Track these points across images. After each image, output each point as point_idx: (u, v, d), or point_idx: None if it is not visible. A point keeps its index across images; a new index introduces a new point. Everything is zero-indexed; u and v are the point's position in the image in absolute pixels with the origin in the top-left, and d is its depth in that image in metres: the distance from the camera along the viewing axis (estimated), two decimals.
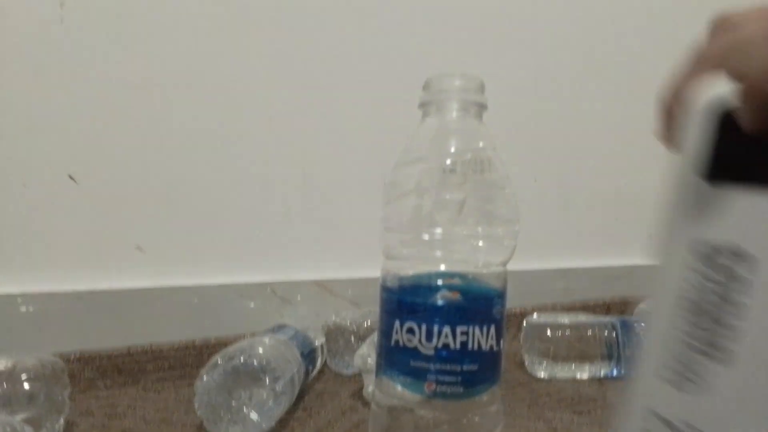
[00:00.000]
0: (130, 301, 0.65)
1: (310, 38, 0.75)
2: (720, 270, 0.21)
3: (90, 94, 0.64)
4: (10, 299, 0.60)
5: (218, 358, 0.47)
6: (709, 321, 0.22)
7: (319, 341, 0.62)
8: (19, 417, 0.40)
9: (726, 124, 0.22)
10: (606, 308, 0.98)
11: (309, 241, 0.75)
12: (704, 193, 0.23)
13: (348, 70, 0.78)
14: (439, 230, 0.38)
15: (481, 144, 0.40)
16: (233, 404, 0.45)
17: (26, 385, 0.42)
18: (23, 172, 0.62)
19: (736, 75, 0.21)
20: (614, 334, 0.65)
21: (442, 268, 0.38)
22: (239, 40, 0.71)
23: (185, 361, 0.62)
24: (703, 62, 0.23)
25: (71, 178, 0.64)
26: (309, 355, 0.57)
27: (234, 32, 0.71)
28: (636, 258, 1.10)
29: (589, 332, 0.65)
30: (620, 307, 0.99)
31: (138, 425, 0.49)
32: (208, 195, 0.70)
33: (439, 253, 0.39)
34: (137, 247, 0.67)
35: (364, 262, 0.68)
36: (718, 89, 0.23)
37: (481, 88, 0.41)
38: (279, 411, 0.48)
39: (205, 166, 0.70)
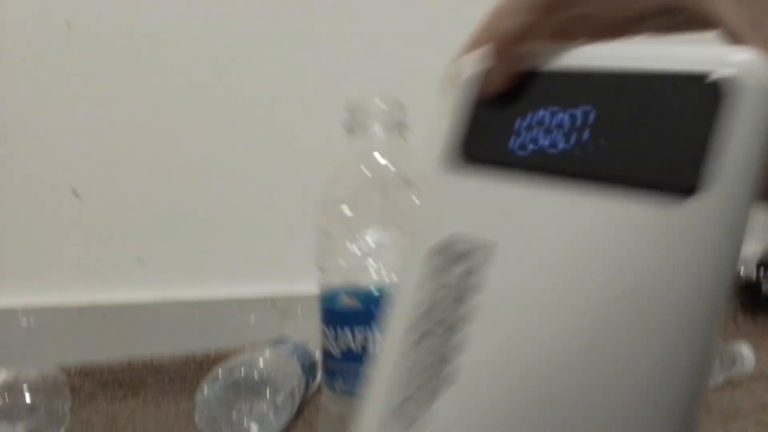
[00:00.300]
0: (130, 314, 0.65)
1: (315, 56, 0.76)
2: (455, 268, 0.19)
3: (93, 110, 0.65)
4: (11, 312, 0.60)
5: (219, 371, 0.47)
6: (440, 335, 0.19)
7: (319, 354, 0.62)
8: (20, 429, 0.40)
9: (471, 107, 0.21)
10: None
11: (309, 254, 0.76)
12: (441, 180, 0.21)
13: (345, 83, 0.79)
14: (365, 242, 0.42)
15: (401, 162, 0.44)
16: (234, 417, 0.45)
17: (27, 398, 0.42)
18: (26, 186, 0.62)
19: (488, 39, 0.21)
20: None
21: (373, 277, 0.42)
22: (242, 58, 0.72)
23: (185, 374, 0.62)
24: (471, 40, 0.22)
25: (74, 191, 0.64)
26: (309, 368, 0.57)
27: (237, 51, 0.72)
28: None
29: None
30: None
31: None
32: (209, 209, 0.70)
33: (364, 264, 0.42)
34: (138, 261, 0.67)
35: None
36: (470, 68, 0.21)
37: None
38: (279, 424, 0.48)
39: (205, 180, 0.70)
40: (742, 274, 1.21)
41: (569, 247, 0.17)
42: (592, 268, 0.16)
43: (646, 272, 0.16)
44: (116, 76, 0.66)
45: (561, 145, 0.18)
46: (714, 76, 0.16)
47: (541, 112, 0.19)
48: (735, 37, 0.18)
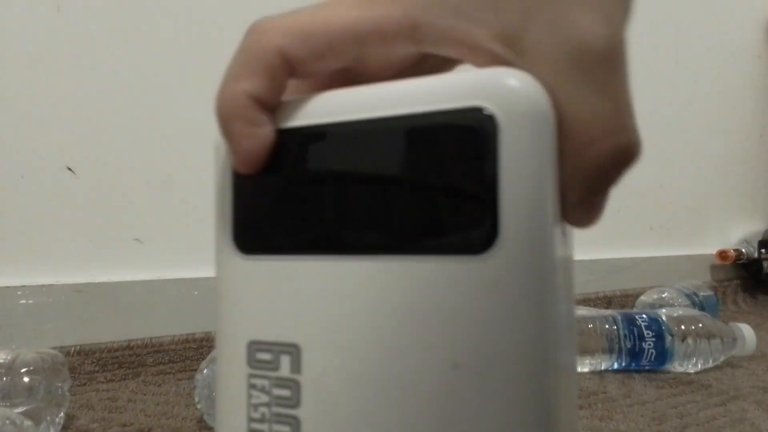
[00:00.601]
0: (129, 293, 0.65)
1: None
2: (282, 363, 0.17)
3: (88, 85, 0.64)
4: (9, 291, 0.60)
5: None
6: None
7: None
8: (19, 410, 0.40)
9: (234, 187, 0.19)
10: (607, 301, 0.98)
11: None
12: (234, 264, 0.18)
13: None
14: None
15: None
16: None
17: (26, 379, 0.42)
18: (21, 163, 0.61)
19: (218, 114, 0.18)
20: (615, 328, 0.65)
21: None
22: (240, 30, 0.70)
23: (186, 354, 0.62)
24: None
25: (70, 170, 0.63)
26: None
27: (235, 23, 0.70)
28: (637, 250, 1.10)
29: (590, 326, 0.65)
30: (621, 300, 0.99)
31: (138, 418, 0.49)
32: (207, 186, 0.69)
33: None
34: (136, 239, 0.67)
35: None
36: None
37: None
38: None
39: (204, 157, 0.69)
40: (744, 252, 1.21)
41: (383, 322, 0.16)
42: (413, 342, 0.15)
43: (463, 332, 0.15)
44: (112, 48, 0.64)
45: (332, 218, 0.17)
46: (471, 118, 0.15)
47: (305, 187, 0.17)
48: (498, 62, 0.16)
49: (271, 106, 0.18)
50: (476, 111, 0.15)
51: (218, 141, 0.19)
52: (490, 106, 0.15)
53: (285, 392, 0.17)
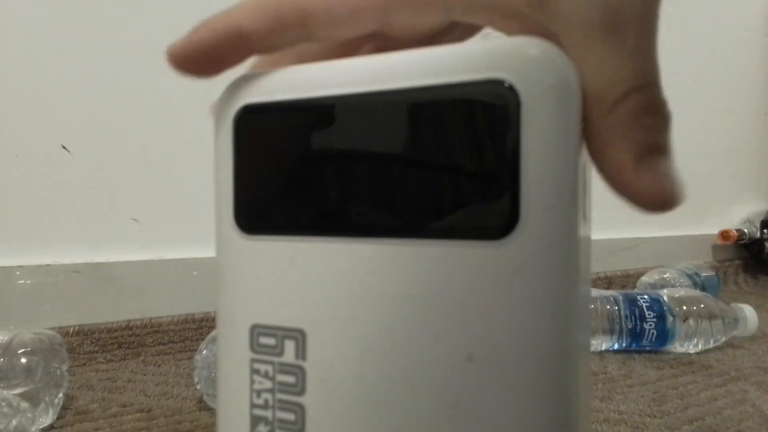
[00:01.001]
0: (128, 273, 0.64)
1: None
2: (286, 348, 0.17)
3: (82, 63, 0.62)
4: (7, 271, 0.59)
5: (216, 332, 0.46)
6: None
7: None
8: (17, 392, 0.40)
9: (237, 157, 0.17)
10: (608, 282, 0.98)
11: None
12: (237, 244, 0.17)
13: None
14: None
15: None
16: None
17: (23, 360, 0.42)
18: (15, 142, 0.60)
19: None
20: (616, 308, 0.65)
21: None
22: None
23: (185, 334, 0.62)
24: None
25: (64, 148, 0.62)
26: None
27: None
28: (638, 230, 1.09)
29: (591, 306, 0.65)
30: (622, 281, 0.99)
31: (138, 399, 0.48)
32: (205, 165, 0.69)
33: None
34: (133, 219, 0.66)
35: None
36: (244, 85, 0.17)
37: None
38: None
39: (202, 135, 0.68)
40: (746, 232, 1.21)
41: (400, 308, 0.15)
42: (430, 328, 0.15)
43: (484, 318, 0.14)
44: (107, 26, 0.63)
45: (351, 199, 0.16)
46: (491, 92, 0.14)
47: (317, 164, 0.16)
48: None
49: (258, 47, 0.17)
50: (496, 84, 0.14)
51: (218, 111, 0.18)
52: (511, 79, 0.14)
53: (289, 378, 0.16)
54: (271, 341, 0.17)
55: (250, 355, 0.17)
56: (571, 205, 0.13)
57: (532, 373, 0.14)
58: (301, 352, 0.16)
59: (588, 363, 0.16)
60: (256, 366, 0.17)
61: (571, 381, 0.14)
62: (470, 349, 0.14)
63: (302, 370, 0.16)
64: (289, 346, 0.16)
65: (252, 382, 0.17)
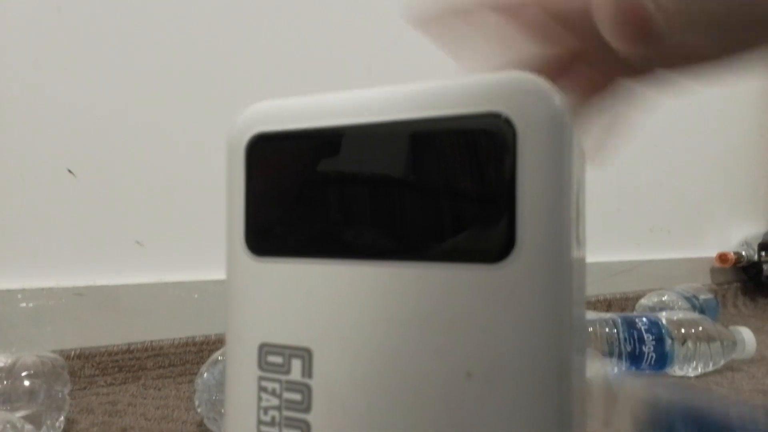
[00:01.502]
0: (130, 296, 0.65)
1: (323, 38, 0.75)
2: (293, 366, 0.17)
3: (88, 87, 0.64)
4: (9, 294, 0.60)
5: (219, 355, 0.47)
6: None
7: None
8: (19, 414, 0.40)
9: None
10: (607, 305, 0.98)
11: None
12: (252, 272, 0.18)
13: (352, 71, 0.78)
14: None
15: None
16: None
17: (26, 382, 0.42)
18: (21, 165, 0.61)
19: None
20: (615, 331, 0.65)
21: None
22: (244, 33, 0.71)
23: (186, 358, 0.62)
24: None
25: (70, 172, 0.63)
26: None
27: (238, 26, 0.70)
28: (637, 253, 1.10)
29: (590, 329, 0.65)
30: (621, 304, 0.99)
31: (138, 422, 0.48)
32: (208, 189, 0.69)
33: None
34: (137, 242, 0.67)
35: None
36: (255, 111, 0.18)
37: None
38: None
39: (205, 160, 0.69)
40: (744, 254, 1.21)
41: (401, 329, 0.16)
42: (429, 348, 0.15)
43: (481, 339, 0.15)
44: (113, 50, 0.64)
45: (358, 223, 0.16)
46: (489, 124, 0.15)
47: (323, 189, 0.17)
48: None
49: None
50: (494, 116, 0.15)
51: (231, 138, 0.18)
52: (507, 112, 0.14)
53: (296, 396, 0.17)
54: (278, 360, 0.17)
55: (258, 373, 0.18)
56: (565, 230, 0.14)
57: (529, 390, 0.14)
58: (307, 370, 0.17)
59: (584, 382, 0.17)
60: (264, 384, 0.18)
61: (565, 398, 0.14)
62: (469, 366, 0.15)
63: (308, 387, 0.17)
64: (296, 364, 0.17)
65: (259, 399, 0.18)
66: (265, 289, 0.18)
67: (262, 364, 0.18)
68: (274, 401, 0.17)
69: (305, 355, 0.17)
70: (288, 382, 0.17)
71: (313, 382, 0.17)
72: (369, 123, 0.16)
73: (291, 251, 0.17)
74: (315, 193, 0.17)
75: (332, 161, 0.17)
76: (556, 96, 0.15)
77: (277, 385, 0.17)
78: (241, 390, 0.18)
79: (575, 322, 0.15)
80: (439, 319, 0.15)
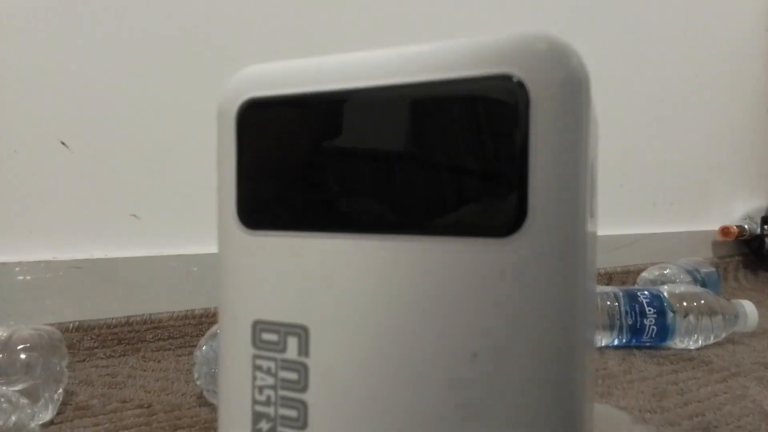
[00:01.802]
0: (128, 269, 0.64)
1: (316, 6, 0.73)
2: (289, 344, 0.17)
3: (81, 58, 0.62)
4: (6, 268, 0.59)
5: (217, 328, 0.46)
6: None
7: None
8: (16, 388, 0.40)
9: (242, 152, 0.17)
10: (608, 278, 0.98)
11: None
12: (245, 247, 0.17)
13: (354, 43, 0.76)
14: None
15: None
16: None
17: (22, 356, 0.42)
18: (13, 138, 0.60)
19: None
20: (616, 304, 0.65)
21: None
22: (233, 9, 0.69)
23: (185, 330, 0.62)
24: None
25: (64, 144, 0.62)
26: None
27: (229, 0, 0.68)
28: (639, 227, 1.09)
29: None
30: (622, 277, 0.99)
31: (138, 394, 0.48)
32: (205, 160, 0.68)
33: None
34: (132, 215, 0.66)
35: None
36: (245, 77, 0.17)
37: None
38: None
39: (201, 131, 0.68)
40: (747, 228, 1.20)
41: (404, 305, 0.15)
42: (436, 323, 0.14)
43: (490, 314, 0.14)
44: (106, 20, 0.63)
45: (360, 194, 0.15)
46: (500, 87, 0.13)
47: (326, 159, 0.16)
48: None
49: None
50: (505, 79, 0.13)
51: (222, 104, 0.17)
52: (520, 74, 0.13)
53: (292, 375, 0.16)
54: (273, 337, 0.17)
55: (253, 351, 0.17)
56: (578, 203, 0.13)
57: (539, 370, 0.13)
58: (304, 348, 0.16)
59: (594, 358, 0.16)
60: (259, 362, 0.17)
61: (577, 376, 0.14)
62: (475, 346, 0.14)
63: (305, 366, 0.16)
64: (292, 342, 0.16)
65: (254, 378, 0.17)
66: (259, 265, 0.17)
67: (257, 342, 0.17)
68: (270, 380, 0.17)
69: (301, 332, 0.16)
70: (284, 360, 0.16)
71: (310, 361, 0.16)
72: (369, 87, 0.15)
73: (286, 224, 0.16)
74: (311, 162, 0.16)
75: (330, 128, 0.16)
76: (573, 55, 0.13)
77: (272, 364, 0.17)
78: (235, 369, 0.17)
79: (587, 298, 0.14)
80: (443, 297, 0.14)
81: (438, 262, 0.14)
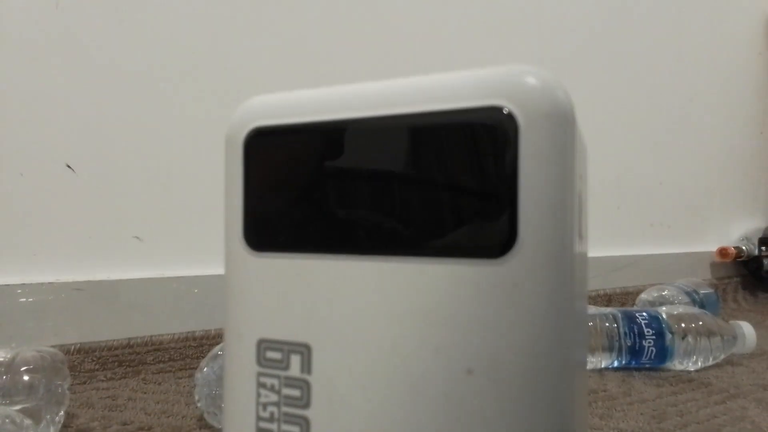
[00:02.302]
0: (129, 291, 0.65)
1: (319, 31, 0.74)
2: (292, 362, 0.17)
3: (87, 82, 0.63)
4: (9, 290, 0.59)
5: (218, 350, 0.46)
6: None
7: None
8: (19, 408, 0.40)
9: (248, 177, 0.18)
10: (607, 299, 0.98)
11: None
12: (246, 261, 0.18)
13: (360, 65, 0.77)
14: None
15: None
16: None
17: (26, 377, 0.42)
18: (20, 161, 0.61)
19: None
20: (615, 326, 0.65)
21: None
22: (242, 27, 0.70)
23: (186, 352, 0.62)
24: None
25: (69, 167, 0.63)
26: None
27: (237, 20, 0.70)
28: (637, 248, 1.10)
29: (590, 323, 0.65)
30: (621, 298, 0.99)
31: (138, 417, 0.48)
32: (207, 183, 0.69)
33: None
34: (136, 237, 0.67)
35: None
36: (253, 104, 0.18)
37: None
38: None
39: (204, 154, 0.69)
40: (745, 249, 1.21)
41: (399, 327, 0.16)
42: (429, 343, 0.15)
43: (482, 334, 0.15)
44: (112, 45, 0.64)
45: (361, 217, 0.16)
46: (491, 118, 0.14)
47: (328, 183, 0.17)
48: None
49: None
50: (496, 110, 0.14)
51: (230, 132, 0.18)
52: (510, 105, 0.14)
53: (295, 392, 0.17)
54: (277, 355, 0.17)
55: (257, 369, 0.18)
56: (567, 225, 0.14)
57: (531, 387, 0.14)
58: (306, 366, 0.17)
59: (585, 377, 0.17)
60: (263, 380, 0.17)
61: (568, 392, 0.14)
62: (470, 363, 0.15)
63: (307, 383, 0.17)
64: (295, 360, 0.17)
65: (258, 395, 0.17)
66: (264, 285, 0.17)
67: (261, 360, 0.17)
68: (273, 397, 0.17)
69: (304, 350, 0.17)
70: (287, 377, 0.17)
71: (312, 378, 0.17)
72: (368, 117, 0.16)
73: (290, 246, 0.17)
74: (314, 187, 0.17)
75: (331, 155, 0.17)
76: (559, 89, 0.14)
77: (275, 381, 0.17)
78: (239, 386, 0.18)
79: (577, 317, 0.15)
80: (439, 315, 0.15)
81: (434, 282, 0.15)
